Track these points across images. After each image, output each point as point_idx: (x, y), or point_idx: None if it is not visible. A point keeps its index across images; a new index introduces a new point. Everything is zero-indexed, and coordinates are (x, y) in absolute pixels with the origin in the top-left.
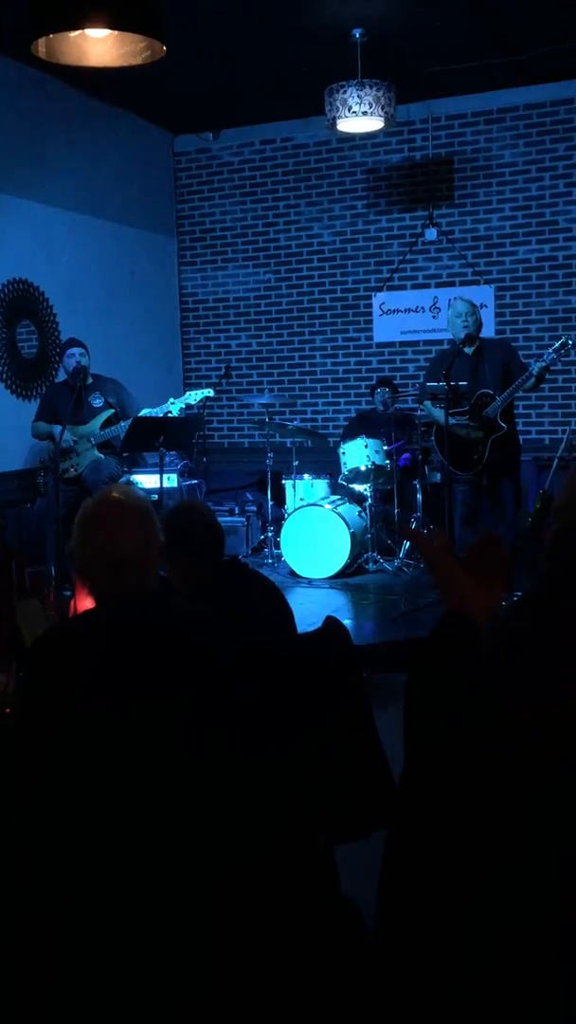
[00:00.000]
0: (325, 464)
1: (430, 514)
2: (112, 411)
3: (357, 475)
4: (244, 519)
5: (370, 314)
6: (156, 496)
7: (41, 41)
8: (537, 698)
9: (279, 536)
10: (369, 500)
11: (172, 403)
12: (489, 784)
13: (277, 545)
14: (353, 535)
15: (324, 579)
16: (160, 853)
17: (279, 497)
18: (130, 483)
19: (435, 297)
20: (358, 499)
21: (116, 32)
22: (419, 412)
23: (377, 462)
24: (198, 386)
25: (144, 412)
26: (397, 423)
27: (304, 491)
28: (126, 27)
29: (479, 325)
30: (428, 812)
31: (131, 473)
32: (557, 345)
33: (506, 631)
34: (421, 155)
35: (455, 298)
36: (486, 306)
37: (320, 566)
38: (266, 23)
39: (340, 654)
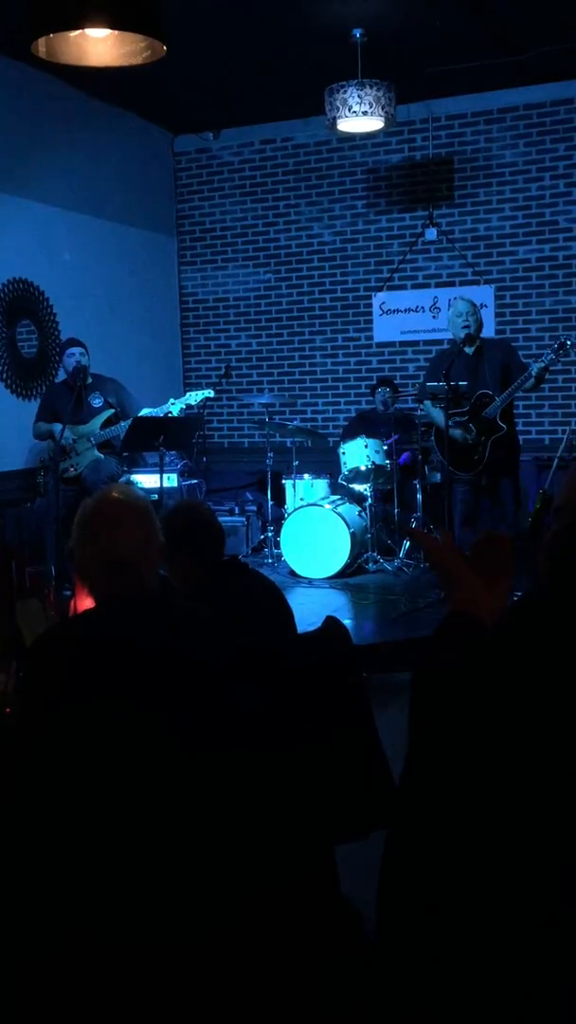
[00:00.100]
0: (325, 464)
1: (430, 514)
2: (112, 411)
3: (357, 475)
4: (244, 519)
5: (370, 314)
6: (156, 496)
7: (41, 41)
8: (537, 698)
9: (279, 536)
10: (369, 500)
11: (172, 403)
12: (490, 784)
13: (277, 545)
14: (353, 535)
15: (324, 579)
16: (160, 853)
17: (279, 497)
18: (130, 483)
19: (435, 297)
20: (358, 499)
21: (116, 32)
22: (419, 412)
23: (377, 462)
24: (198, 386)
25: (144, 412)
26: (397, 423)
27: (304, 491)
28: (126, 27)
29: (479, 325)
30: (428, 812)
31: (131, 473)
32: (556, 346)
33: (506, 631)
34: (421, 155)
35: (455, 298)
36: (486, 306)
37: (320, 566)
38: (266, 23)
39: (340, 654)
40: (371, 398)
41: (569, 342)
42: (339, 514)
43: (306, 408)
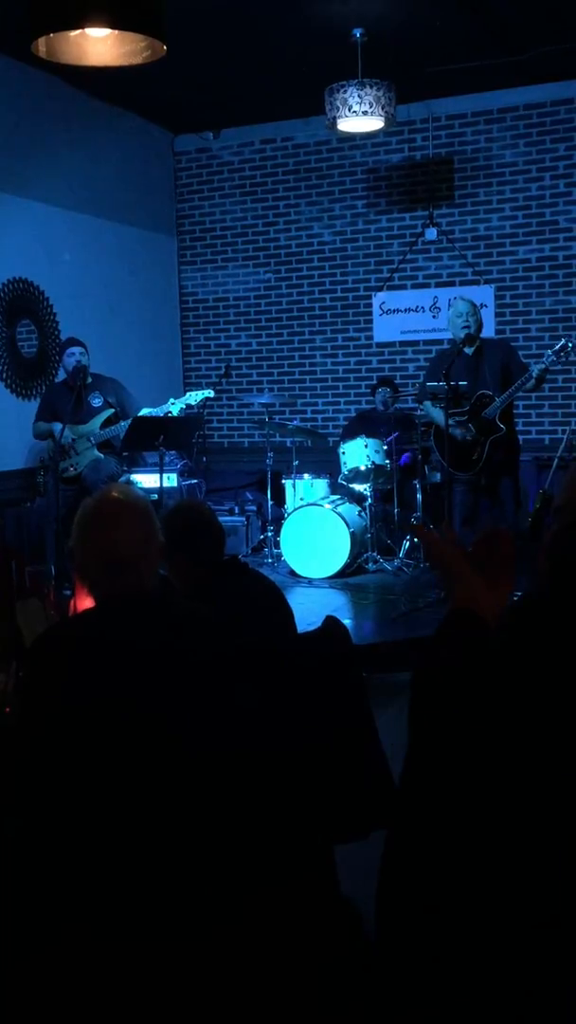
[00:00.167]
0: (325, 464)
1: (430, 514)
2: (112, 411)
3: (357, 475)
4: (244, 519)
5: (370, 314)
6: (156, 496)
7: (41, 40)
8: (537, 698)
9: (279, 536)
10: (369, 500)
11: (172, 403)
12: (490, 784)
13: (277, 545)
14: (353, 535)
15: (324, 579)
16: (160, 853)
17: (279, 497)
18: (130, 482)
19: (435, 297)
20: (358, 499)
21: (116, 31)
22: (418, 412)
23: (377, 462)
24: (198, 385)
25: (144, 412)
26: (397, 423)
27: (304, 491)
28: (126, 26)
29: (479, 325)
30: (428, 812)
31: (131, 472)
32: (557, 348)
33: (506, 631)
34: (421, 155)
35: (456, 298)
36: (486, 306)
37: (320, 566)
38: (266, 23)
39: (340, 654)
40: (371, 398)
41: (571, 344)
42: (339, 514)
43: (306, 408)
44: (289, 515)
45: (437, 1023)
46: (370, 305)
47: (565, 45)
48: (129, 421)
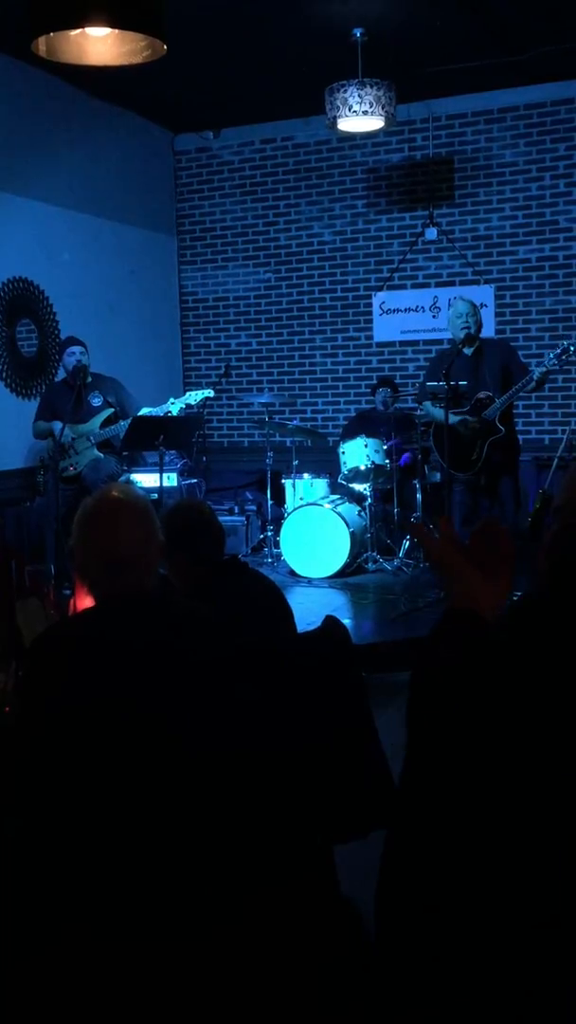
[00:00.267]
0: (325, 463)
1: (430, 513)
2: (111, 410)
3: (357, 474)
4: (244, 518)
5: (370, 314)
6: (156, 495)
7: (41, 40)
8: (537, 698)
9: (279, 535)
10: (369, 499)
11: (172, 403)
12: (490, 784)
13: (277, 544)
14: (353, 534)
15: (324, 578)
16: (159, 853)
17: (279, 496)
18: (129, 482)
19: (435, 297)
20: (358, 498)
21: (116, 31)
22: (418, 412)
23: (377, 461)
24: (198, 385)
25: (144, 411)
26: (397, 423)
27: (304, 490)
28: (126, 26)
29: (479, 325)
30: (428, 812)
31: (131, 472)
32: (559, 351)
33: (506, 631)
34: (421, 155)
35: (456, 298)
36: (486, 306)
37: (320, 565)
38: (267, 22)
39: (340, 654)
40: (371, 398)
41: (572, 347)
42: (339, 514)
43: (306, 408)
44: (289, 515)
45: (437, 1023)
46: (370, 305)
47: (565, 45)
48: (129, 421)
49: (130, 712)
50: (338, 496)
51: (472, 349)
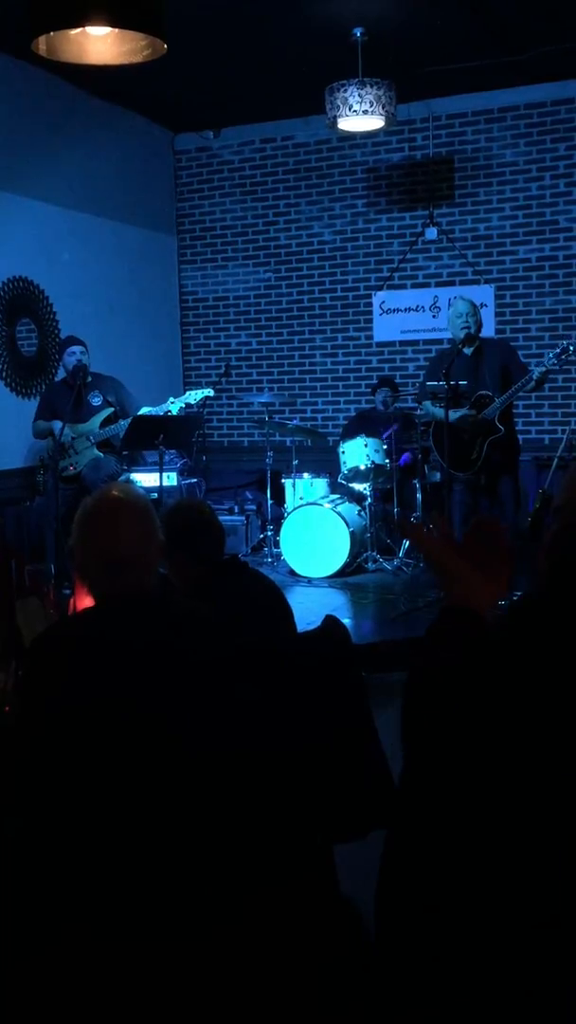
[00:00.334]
0: (325, 463)
1: (429, 513)
2: (111, 409)
3: (357, 474)
4: (244, 518)
5: (370, 313)
6: (156, 495)
7: (42, 39)
8: (537, 698)
9: (279, 535)
10: (369, 499)
11: (172, 402)
12: (489, 783)
13: (276, 544)
14: (353, 534)
15: (323, 578)
16: (159, 852)
17: (279, 496)
18: (129, 481)
19: (435, 296)
20: (358, 498)
21: (117, 30)
22: (418, 412)
23: (377, 461)
24: (198, 385)
25: (144, 411)
26: (397, 422)
27: (304, 490)
28: (127, 25)
29: (479, 325)
30: (428, 812)
31: (130, 471)
32: (559, 351)
33: (506, 631)
34: (421, 154)
35: (456, 298)
36: (486, 306)
37: (319, 565)
38: (267, 22)
39: (339, 654)
40: (371, 397)
41: (572, 347)
42: (339, 513)
43: (306, 407)
44: (289, 514)
45: (437, 1023)
46: (370, 305)
47: (565, 45)
48: (129, 420)
49: (130, 712)
50: (338, 496)
51: (472, 349)
